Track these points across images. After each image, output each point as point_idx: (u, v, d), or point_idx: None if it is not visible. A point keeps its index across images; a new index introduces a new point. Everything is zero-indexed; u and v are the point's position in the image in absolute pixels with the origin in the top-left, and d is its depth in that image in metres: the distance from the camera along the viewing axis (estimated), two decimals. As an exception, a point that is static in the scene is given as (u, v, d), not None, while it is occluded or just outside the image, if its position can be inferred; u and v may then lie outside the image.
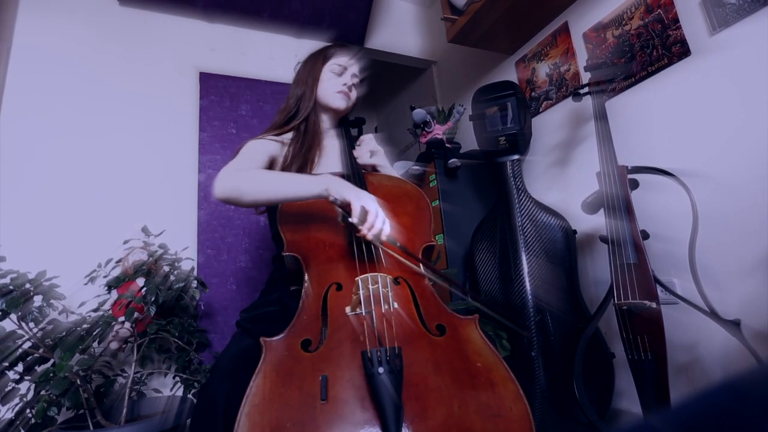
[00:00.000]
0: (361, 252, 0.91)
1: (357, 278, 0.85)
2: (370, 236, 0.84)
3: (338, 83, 1.20)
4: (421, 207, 1.06)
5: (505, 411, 0.70)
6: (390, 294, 0.84)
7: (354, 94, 1.25)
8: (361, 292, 0.83)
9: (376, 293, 0.83)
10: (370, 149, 1.24)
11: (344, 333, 0.78)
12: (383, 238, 0.87)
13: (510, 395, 0.73)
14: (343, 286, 0.87)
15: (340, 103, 1.20)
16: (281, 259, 0.99)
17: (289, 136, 1.15)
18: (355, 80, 1.24)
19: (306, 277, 0.90)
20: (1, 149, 1.73)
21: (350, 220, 0.84)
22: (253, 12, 2.29)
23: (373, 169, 1.25)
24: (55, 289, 1.21)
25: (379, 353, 0.71)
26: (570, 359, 1.35)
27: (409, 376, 0.71)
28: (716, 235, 1.27)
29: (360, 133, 1.39)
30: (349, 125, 1.27)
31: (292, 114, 1.19)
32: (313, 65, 1.22)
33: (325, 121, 1.22)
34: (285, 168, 1.08)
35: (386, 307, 0.82)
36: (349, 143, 1.21)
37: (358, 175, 1.05)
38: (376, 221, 0.85)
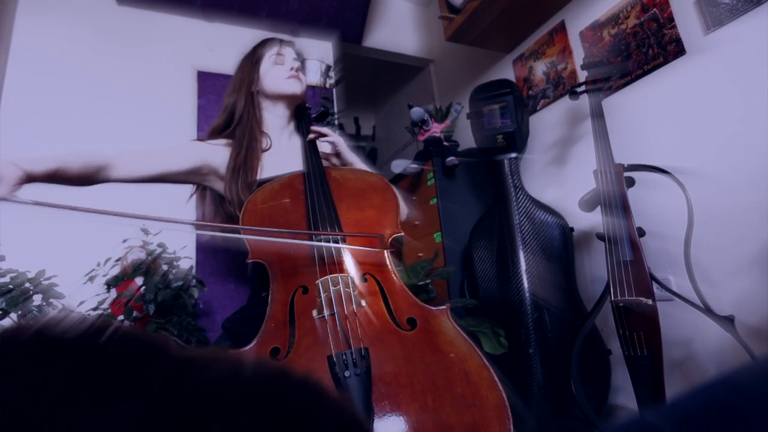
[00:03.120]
0: (321, 254, 0.88)
1: (317, 281, 0.83)
2: None
3: (284, 70, 1.15)
4: (387, 198, 1.02)
5: (480, 399, 0.69)
6: (353, 293, 0.82)
7: (303, 77, 1.18)
8: (322, 294, 0.81)
9: (338, 294, 0.81)
10: (332, 141, 1.16)
11: (312, 338, 0.77)
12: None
13: (485, 383, 0.71)
14: (309, 289, 0.85)
15: (294, 87, 1.14)
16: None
17: (224, 142, 1.10)
18: (297, 64, 1.18)
19: (272, 283, 0.88)
20: (1, 148, 1.73)
21: None
22: (250, 11, 2.29)
23: (336, 155, 1.19)
24: (54, 288, 1.21)
25: (344, 356, 0.70)
26: (567, 356, 1.36)
27: (379, 375, 0.71)
28: (711, 232, 1.28)
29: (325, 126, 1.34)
30: (311, 120, 1.23)
31: (230, 118, 1.13)
32: (245, 69, 1.17)
33: (280, 117, 1.17)
34: (232, 172, 1.04)
35: (351, 307, 0.80)
36: (310, 138, 1.14)
37: (319, 171, 1.02)
38: None
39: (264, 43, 1.19)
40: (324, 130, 1.14)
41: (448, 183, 1.98)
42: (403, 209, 1.10)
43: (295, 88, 1.15)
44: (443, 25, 2.10)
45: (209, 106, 2.14)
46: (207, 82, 2.17)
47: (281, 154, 1.13)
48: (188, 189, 2.02)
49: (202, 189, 1.17)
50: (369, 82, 3.75)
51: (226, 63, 2.28)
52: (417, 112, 2.08)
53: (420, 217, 2.03)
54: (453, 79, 2.73)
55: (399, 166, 2.09)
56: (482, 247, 1.79)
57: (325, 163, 1.11)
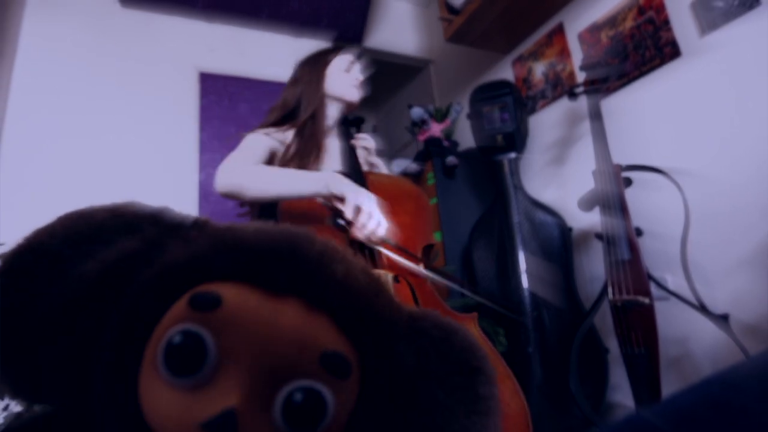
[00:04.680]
0: (361, 252, 0.91)
1: None
2: (360, 236, 0.83)
3: (351, 77, 1.20)
4: (421, 206, 1.06)
5: (503, 407, 0.72)
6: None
7: (363, 91, 1.25)
8: None
9: None
10: (366, 146, 1.23)
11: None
12: (375, 239, 0.84)
13: (508, 391, 0.74)
14: None
15: (356, 95, 1.20)
16: None
17: (289, 134, 1.15)
18: (362, 77, 1.24)
19: None
20: (6, 149, 1.75)
21: (339, 221, 0.83)
22: (252, 12, 2.30)
23: (371, 168, 1.26)
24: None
25: None
26: (566, 354, 1.37)
27: None
28: (707, 231, 1.30)
29: (358, 132, 1.39)
30: (349, 124, 1.28)
31: (288, 113, 1.18)
32: (314, 65, 1.21)
33: (330, 118, 1.21)
34: (284, 166, 1.08)
35: None
36: (350, 142, 1.21)
37: (359, 174, 1.05)
38: (370, 222, 0.82)
39: (336, 49, 1.24)
40: (362, 135, 1.21)
41: (448, 183, 2.00)
42: None
43: (357, 96, 1.21)
44: (443, 26, 2.12)
45: (211, 106, 2.16)
46: (209, 83, 2.18)
47: (327, 153, 1.15)
48: (189, 189, 2.04)
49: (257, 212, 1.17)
50: (369, 82, 3.76)
51: (228, 64, 2.31)
52: (417, 112, 2.10)
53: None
54: (453, 79, 2.75)
55: (399, 166, 2.11)
56: (482, 246, 1.80)
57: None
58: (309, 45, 2.39)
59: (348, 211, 0.82)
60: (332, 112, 1.20)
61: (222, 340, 0.24)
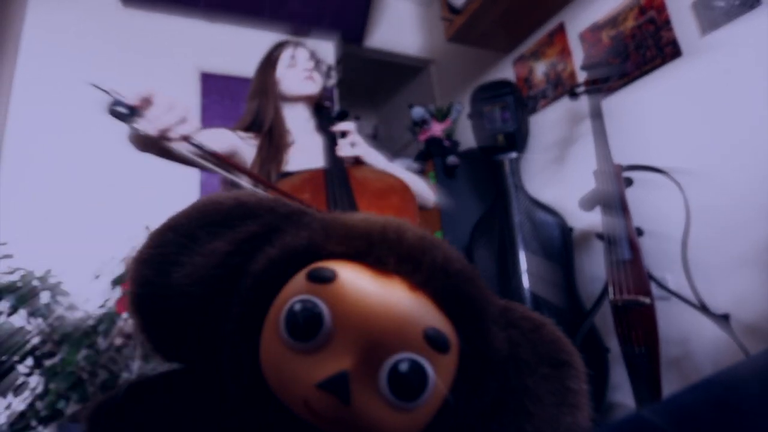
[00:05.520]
0: None
1: None
2: (152, 132, 0.65)
3: (297, 71, 1.17)
4: (406, 199, 1.03)
5: None
6: None
7: (318, 77, 1.21)
8: None
9: None
10: (351, 141, 1.15)
11: None
12: (173, 136, 0.67)
13: None
14: None
15: (309, 88, 1.17)
16: None
17: (252, 135, 1.12)
18: (311, 64, 1.20)
19: None
20: (8, 150, 1.76)
21: (117, 108, 0.63)
22: (253, 12, 2.30)
23: (357, 161, 1.18)
24: (61, 285, 1.24)
25: None
26: (566, 353, 1.37)
27: None
28: (708, 231, 1.30)
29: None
30: (332, 119, 1.25)
31: (249, 125, 1.16)
32: (263, 73, 1.19)
33: (297, 118, 1.19)
34: (254, 170, 1.06)
35: None
36: (331, 137, 1.17)
37: (340, 170, 1.02)
38: (167, 115, 0.66)
39: (277, 47, 1.22)
40: (345, 127, 1.13)
41: (449, 182, 2.00)
42: (430, 195, 1.14)
43: (311, 88, 1.17)
44: (444, 25, 2.12)
45: (212, 106, 2.16)
46: (210, 83, 2.19)
47: (303, 151, 1.14)
48: (191, 188, 2.05)
49: (230, 183, 1.17)
50: (370, 82, 3.76)
51: (229, 64, 2.31)
52: (418, 111, 2.10)
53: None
54: (454, 79, 2.75)
55: (400, 165, 2.11)
56: (483, 246, 1.81)
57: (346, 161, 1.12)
58: (310, 45, 2.39)
59: (132, 97, 0.65)
60: (297, 112, 1.18)
61: (336, 310, 0.27)
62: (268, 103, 1.15)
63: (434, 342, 0.27)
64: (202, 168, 0.81)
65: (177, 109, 0.68)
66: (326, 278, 0.28)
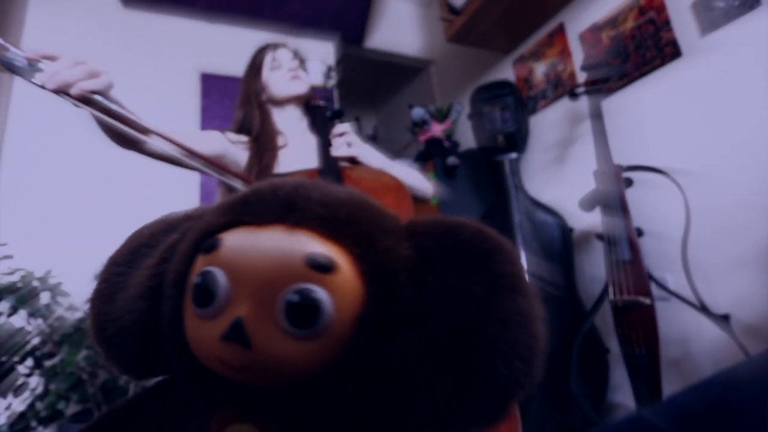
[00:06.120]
0: None
1: None
2: (50, 87, 0.61)
3: (282, 72, 1.16)
4: (400, 197, 1.03)
5: None
6: None
7: (304, 75, 1.19)
8: None
9: None
10: (347, 141, 1.14)
11: None
12: (75, 93, 0.62)
13: None
14: None
15: (296, 88, 1.15)
16: None
17: (244, 139, 1.14)
18: (295, 63, 1.18)
19: None
20: (8, 150, 1.76)
21: (10, 58, 0.59)
22: (253, 13, 2.31)
23: (352, 161, 1.17)
24: (61, 286, 1.24)
25: None
26: (566, 354, 1.38)
27: None
28: (707, 231, 1.30)
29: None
30: (329, 118, 1.25)
31: (238, 131, 1.17)
32: (247, 82, 1.19)
33: (291, 117, 1.18)
34: (246, 172, 1.07)
35: None
36: (325, 137, 1.17)
37: (334, 170, 1.02)
38: (71, 70, 0.62)
39: (259, 52, 1.21)
40: (341, 130, 1.13)
41: (449, 183, 2.00)
42: (427, 187, 1.15)
43: (298, 88, 1.16)
44: (444, 26, 2.12)
45: (212, 107, 2.17)
46: (210, 83, 2.19)
47: (297, 151, 1.13)
48: (191, 188, 2.05)
49: (227, 187, 1.17)
50: (370, 83, 3.76)
51: (229, 65, 2.31)
52: (418, 112, 2.10)
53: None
54: (454, 79, 2.75)
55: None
56: (482, 246, 1.80)
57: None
58: (310, 45, 2.39)
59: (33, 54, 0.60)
60: (288, 113, 1.18)
61: (228, 271, 0.30)
62: (253, 110, 1.15)
63: (317, 265, 0.28)
64: (184, 166, 0.82)
65: (85, 65, 0.65)
66: (212, 247, 0.31)
